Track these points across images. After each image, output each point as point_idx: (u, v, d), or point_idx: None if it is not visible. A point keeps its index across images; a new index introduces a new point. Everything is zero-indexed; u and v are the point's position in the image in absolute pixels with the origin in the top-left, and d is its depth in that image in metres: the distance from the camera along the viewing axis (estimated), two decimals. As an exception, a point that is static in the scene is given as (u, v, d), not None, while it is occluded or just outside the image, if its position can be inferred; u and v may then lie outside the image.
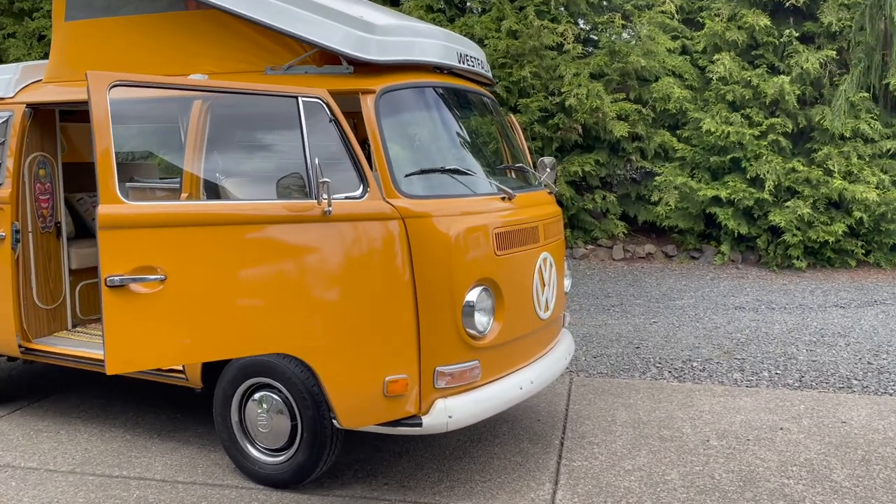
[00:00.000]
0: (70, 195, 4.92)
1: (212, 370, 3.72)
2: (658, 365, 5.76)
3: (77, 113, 4.73)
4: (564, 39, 9.57)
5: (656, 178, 9.74)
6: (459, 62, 3.87)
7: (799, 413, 4.66)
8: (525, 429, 4.38)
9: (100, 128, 2.52)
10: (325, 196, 2.87)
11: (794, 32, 9.46)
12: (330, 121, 3.08)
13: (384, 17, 3.58)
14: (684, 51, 10.49)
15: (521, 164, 3.93)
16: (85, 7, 4.17)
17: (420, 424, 3.17)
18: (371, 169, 3.24)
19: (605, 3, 10.51)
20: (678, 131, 10.04)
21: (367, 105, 3.30)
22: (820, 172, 9.13)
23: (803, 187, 9.21)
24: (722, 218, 9.42)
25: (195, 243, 2.67)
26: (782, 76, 9.22)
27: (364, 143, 3.39)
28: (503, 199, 3.55)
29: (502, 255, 3.42)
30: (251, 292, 2.78)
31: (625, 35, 10.15)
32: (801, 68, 9.21)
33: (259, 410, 3.56)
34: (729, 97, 9.52)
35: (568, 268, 4.35)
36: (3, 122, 4.15)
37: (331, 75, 3.51)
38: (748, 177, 9.39)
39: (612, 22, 9.82)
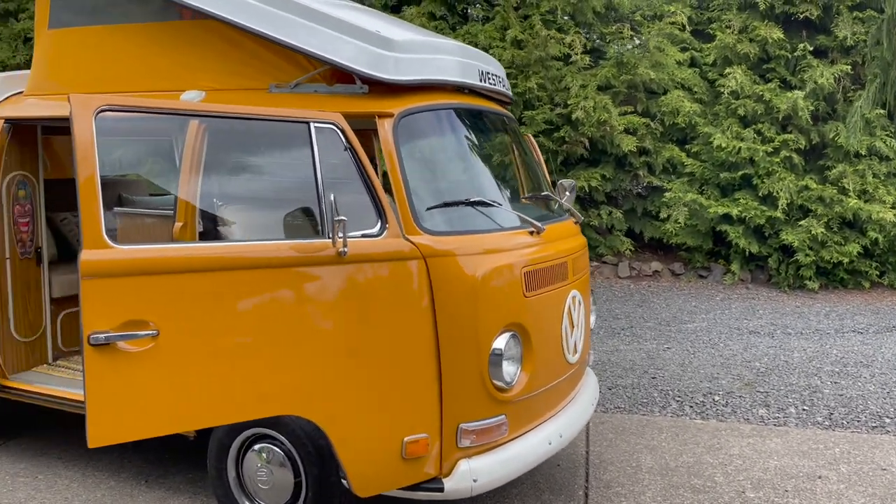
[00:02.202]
0: (53, 215, 4.55)
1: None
2: (678, 399, 5.45)
3: (61, 128, 4.37)
4: (572, 50, 9.26)
5: (665, 194, 9.44)
6: (481, 81, 3.54)
7: (835, 458, 4.35)
8: (545, 476, 4.05)
9: (84, 159, 2.17)
10: (340, 235, 2.53)
11: (808, 46, 9.19)
12: (345, 149, 2.74)
13: (403, 32, 3.25)
14: (693, 63, 10.21)
15: (547, 193, 3.60)
16: (71, 14, 3.82)
17: (441, 489, 2.83)
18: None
19: (612, 13, 10.21)
20: (687, 146, 9.75)
21: (385, 130, 2.97)
22: (834, 191, 8.86)
23: (816, 206, 8.93)
24: (733, 236, 9.13)
25: (191, 292, 2.32)
26: (796, 91, 8.95)
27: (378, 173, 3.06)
28: (531, 233, 3.22)
29: (531, 297, 3.09)
30: (255, 347, 2.44)
31: (630, 46, 9.83)
32: (816, 83, 8.94)
33: (259, 464, 3.21)
34: (740, 112, 9.25)
35: (593, 302, 4.02)
36: (-23, 140, 3.79)
37: (343, 95, 3.18)
38: (760, 194, 9.11)
39: (621, 33, 9.52)
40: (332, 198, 2.47)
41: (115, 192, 5.33)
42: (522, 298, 3.04)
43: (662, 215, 9.48)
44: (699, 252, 9.70)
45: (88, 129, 2.21)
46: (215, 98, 3.39)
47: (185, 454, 4.24)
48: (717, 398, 5.46)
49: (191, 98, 3.45)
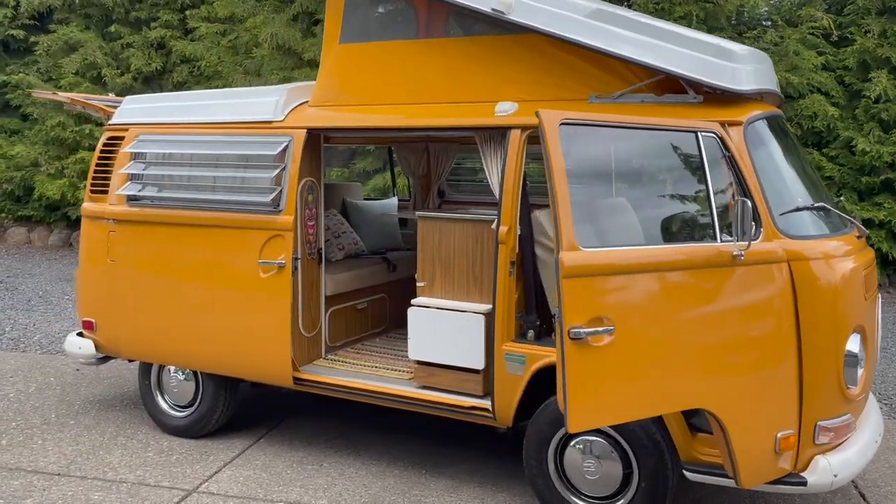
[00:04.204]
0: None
1: (523, 409, 3.53)
2: (886, 402, 5.49)
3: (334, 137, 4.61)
4: (716, 55, 9.30)
5: (806, 198, 9.43)
6: (777, 87, 3.67)
7: None
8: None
9: (557, 170, 2.35)
10: (744, 239, 2.68)
11: (955, 50, 9.11)
12: (722, 156, 2.89)
13: (732, 44, 3.38)
14: (825, 67, 10.16)
15: (840, 199, 3.70)
16: (368, 30, 4.03)
17: (804, 483, 2.96)
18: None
19: (744, 17, 10.22)
20: (824, 150, 9.72)
21: (736, 137, 3.10)
22: (980, 196, 8.77)
23: (958, 211, 8.85)
24: (875, 241, 9.07)
25: (634, 291, 2.49)
26: (945, 96, 8.87)
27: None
28: (858, 237, 3.33)
29: (868, 299, 3.20)
30: (681, 342, 2.60)
31: (769, 49, 9.82)
32: (964, 88, 8.86)
33: (584, 456, 3.37)
34: (883, 116, 9.19)
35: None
36: (282, 148, 4.02)
37: (674, 105, 3.33)
38: (904, 199, 9.05)
39: (762, 37, 9.54)
40: (748, 204, 2.62)
41: (340, 196, 5.58)
42: (863, 301, 3.15)
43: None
44: (835, 256, 9.65)
45: (557, 140, 2.39)
46: (529, 109, 3.56)
47: (449, 447, 4.43)
48: (924, 402, 5.49)
49: (505, 110, 3.63)
